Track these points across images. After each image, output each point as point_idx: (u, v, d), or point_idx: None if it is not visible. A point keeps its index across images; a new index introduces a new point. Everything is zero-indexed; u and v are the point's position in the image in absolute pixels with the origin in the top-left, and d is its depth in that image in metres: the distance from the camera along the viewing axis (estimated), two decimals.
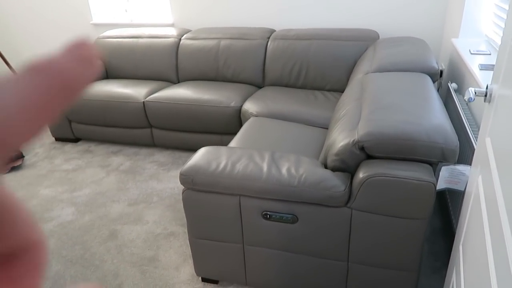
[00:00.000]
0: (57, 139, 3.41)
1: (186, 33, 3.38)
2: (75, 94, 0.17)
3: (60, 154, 3.17)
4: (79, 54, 0.17)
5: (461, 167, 1.36)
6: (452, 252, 1.32)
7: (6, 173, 2.92)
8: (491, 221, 0.84)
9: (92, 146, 3.28)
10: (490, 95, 1.02)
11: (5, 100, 0.15)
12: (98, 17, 4.00)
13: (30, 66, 0.16)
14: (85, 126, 3.22)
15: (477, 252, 0.91)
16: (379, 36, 2.90)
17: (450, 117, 2.16)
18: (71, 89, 0.17)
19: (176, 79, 3.37)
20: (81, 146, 3.31)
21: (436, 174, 1.37)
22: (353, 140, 1.40)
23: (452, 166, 1.36)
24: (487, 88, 1.01)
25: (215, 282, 1.83)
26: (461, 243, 1.17)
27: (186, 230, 2.18)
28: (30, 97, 0.15)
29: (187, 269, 1.92)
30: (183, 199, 1.61)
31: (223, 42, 3.16)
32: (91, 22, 3.97)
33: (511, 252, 0.70)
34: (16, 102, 0.15)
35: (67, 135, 3.32)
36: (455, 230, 1.77)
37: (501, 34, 1.02)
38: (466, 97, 1.01)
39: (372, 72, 2.14)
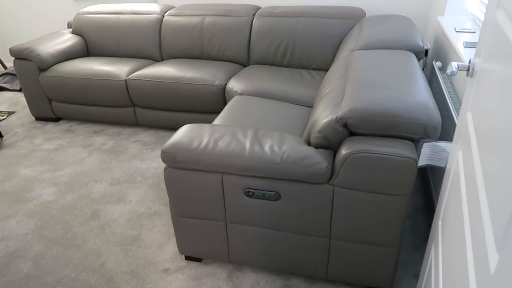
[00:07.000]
0: (37, 119, 3.33)
1: (169, 9, 3.30)
2: None
3: (41, 134, 3.10)
4: None
5: (442, 144, 1.36)
6: (431, 227, 1.33)
7: None
8: (469, 195, 0.84)
9: (74, 126, 3.21)
10: (473, 69, 1.01)
11: None
12: None
13: None
14: (66, 105, 3.14)
15: (455, 226, 0.92)
16: (365, 14, 2.86)
17: (434, 95, 2.17)
18: None
19: (160, 57, 3.29)
20: (62, 125, 3.23)
21: (418, 150, 1.37)
22: (337, 117, 1.39)
23: (434, 143, 1.36)
24: (469, 62, 1.00)
25: (198, 260, 1.83)
26: (440, 218, 1.18)
27: (169, 209, 2.17)
28: None
29: (171, 248, 1.91)
30: (165, 177, 1.59)
31: (207, 19, 3.08)
32: None
33: (487, 225, 0.70)
34: None
35: (48, 114, 3.24)
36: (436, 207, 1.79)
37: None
38: (448, 71, 1.00)
39: (357, 50, 2.11)
